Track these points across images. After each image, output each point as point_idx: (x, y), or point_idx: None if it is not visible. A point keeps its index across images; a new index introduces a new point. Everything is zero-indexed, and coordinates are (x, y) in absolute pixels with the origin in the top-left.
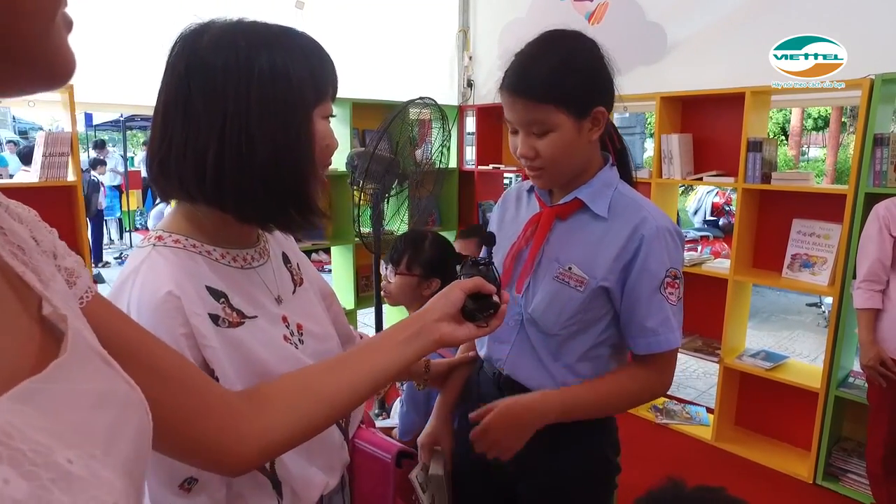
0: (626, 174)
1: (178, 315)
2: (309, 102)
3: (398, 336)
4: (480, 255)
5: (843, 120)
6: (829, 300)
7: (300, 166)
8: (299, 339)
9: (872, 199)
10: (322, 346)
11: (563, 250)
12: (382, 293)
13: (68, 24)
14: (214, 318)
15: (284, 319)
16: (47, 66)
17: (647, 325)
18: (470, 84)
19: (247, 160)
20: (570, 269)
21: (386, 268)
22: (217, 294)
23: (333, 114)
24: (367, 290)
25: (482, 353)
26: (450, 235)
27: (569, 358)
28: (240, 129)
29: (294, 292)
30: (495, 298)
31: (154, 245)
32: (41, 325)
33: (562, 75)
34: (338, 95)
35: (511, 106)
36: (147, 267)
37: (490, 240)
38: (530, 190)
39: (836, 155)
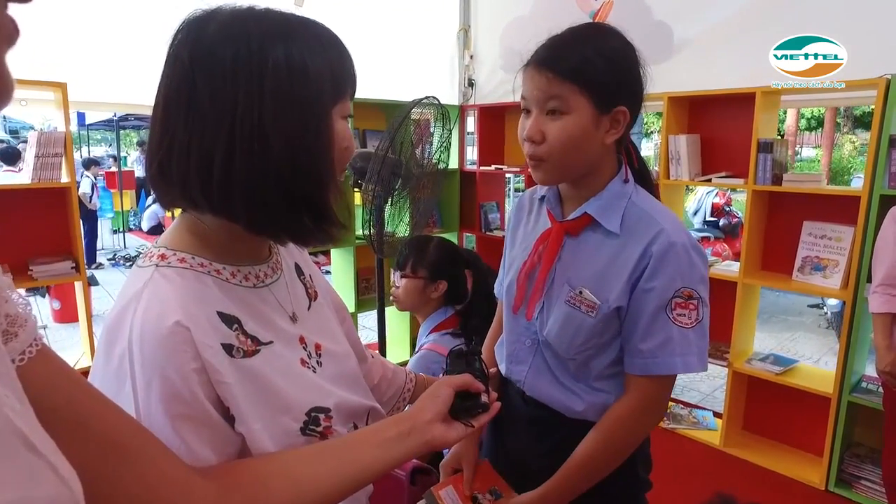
0: (647, 190)
1: (188, 348)
2: (328, 100)
3: (388, 432)
4: (465, 346)
5: (836, 120)
6: (831, 302)
7: (318, 170)
8: (318, 362)
9: (887, 201)
10: (341, 367)
11: (574, 272)
12: (392, 299)
13: (10, 36)
14: (228, 349)
15: (302, 340)
16: None
17: (641, 346)
18: (471, 83)
19: (259, 162)
20: (580, 293)
21: (394, 274)
22: (230, 320)
23: (351, 114)
24: (368, 292)
25: (503, 371)
26: (451, 237)
27: (589, 378)
28: (252, 128)
29: (309, 308)
30: (484, 398)
31: (157, 265)
32: None
33: (594, 61)
34: None
35: (532, 79)
36: (150, 292)
37: (473, 347)
38: (542, 199)
39: (830, 155)
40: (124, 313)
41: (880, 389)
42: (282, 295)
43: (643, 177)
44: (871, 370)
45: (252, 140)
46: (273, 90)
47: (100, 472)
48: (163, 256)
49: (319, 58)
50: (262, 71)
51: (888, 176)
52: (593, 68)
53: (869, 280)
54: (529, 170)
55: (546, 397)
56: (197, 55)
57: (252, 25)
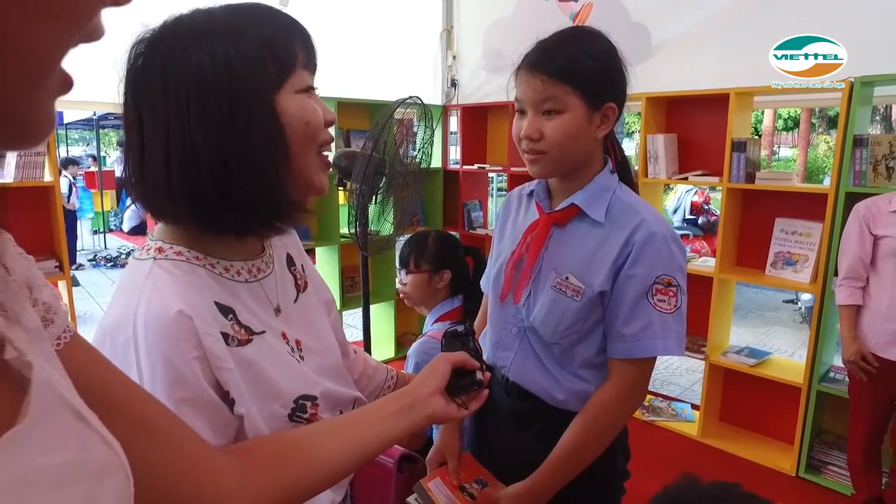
0: (628, 184)
1: (191, 337)
2: (269, 85)
3: (391, 407)
4: (459, 327)
5: (811, 121)
6: (805, 297)
7: (261, 163)
8: (300, 356)
9: (852, 198)
10: (324, 360)
11: (560, 259)
12: (401, 296)
13: (64, 87)
14: (225, 337)
15: (284, 336)
16: (15, 128)
17: (624, 331)
18: (454, 84)
19: (196, 173)
20: (567, 278)
21: (399, 274)
22: (225, 310)
23: (313, 85)
24: (353, 290)
25: (487, 358)
26: None
27: (573, 365)
28: (183, 142)
29: (296, 300)
30: (479, 375)
31: (154, 258)
32: (3, 372)
33: (583, 61)
34: (322, 94)
35: (527, 82)
36: (151, 284)
37: (467, 325)
38: (530, 194)
39: (806, 155)
40: (128, 305)
41: (846, 379)
42: (270, 289)
43: (624, 169)
44: (838, 360)
45: (184, 154)
46: (197, 96)
47: (132, 452)
48: (160, 250)
49: (251, 46)
50: (187, 85)
51: (853, 174)
52: (583, 68)
53: (836, 274)
54: (526, 165)
55: (530, 383)
56: (137, 85)
57: (182, 35)
